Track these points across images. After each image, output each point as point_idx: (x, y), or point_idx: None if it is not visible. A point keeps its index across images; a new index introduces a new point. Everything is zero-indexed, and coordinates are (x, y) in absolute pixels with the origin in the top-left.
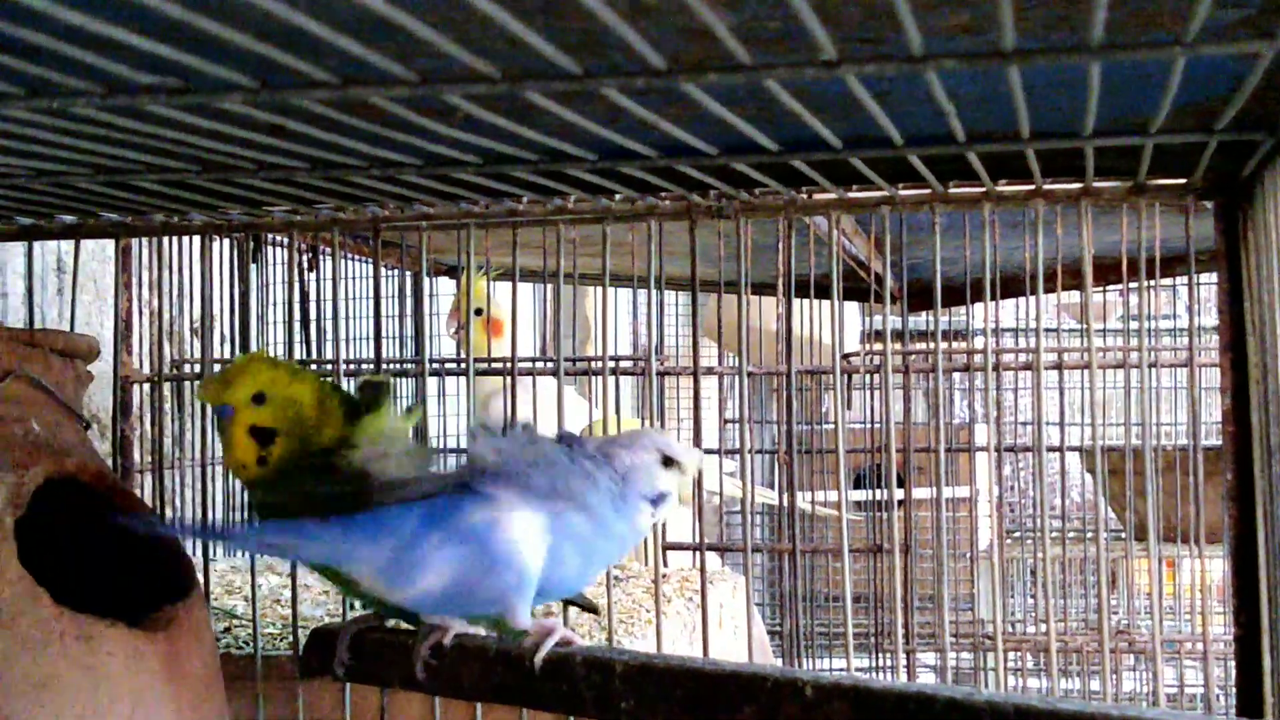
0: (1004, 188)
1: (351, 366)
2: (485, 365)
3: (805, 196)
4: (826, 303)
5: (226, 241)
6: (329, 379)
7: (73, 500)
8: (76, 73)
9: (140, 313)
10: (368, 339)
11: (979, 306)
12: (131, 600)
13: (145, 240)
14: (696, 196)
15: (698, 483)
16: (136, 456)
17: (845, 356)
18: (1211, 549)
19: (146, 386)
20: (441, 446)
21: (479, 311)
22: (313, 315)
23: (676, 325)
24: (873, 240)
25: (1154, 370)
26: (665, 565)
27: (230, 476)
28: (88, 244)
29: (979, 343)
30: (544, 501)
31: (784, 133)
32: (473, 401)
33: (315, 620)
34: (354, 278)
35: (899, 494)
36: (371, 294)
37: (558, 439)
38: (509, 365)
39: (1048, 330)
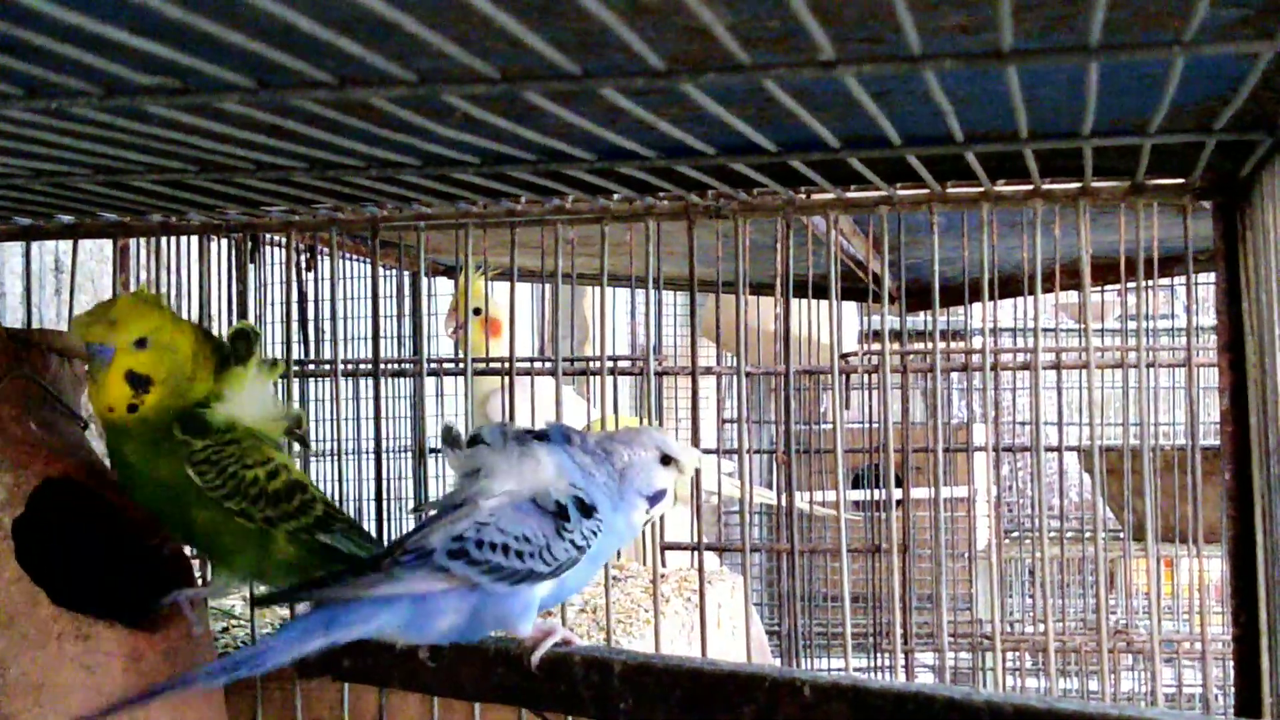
0: (1002, 188)
1: (350, 366)
2: (483, 365)
3: (803, 196)
4: (824, 303)
5: (224, 241)
6: (204, 327)
7: (70, 500)
8: (75, 73)
9: None
10: (366, 339)
11: (977, 306)
12: (129, 600)
13: (143, 240)
14: (695, 196)
15: (695, 483)
16: None
17: (843, 356)
18: (1210, 549)
19: None
20: (438, 447)
21: (477, 311)
22: (311, 315)
23: (675, 325)
24: (871, 240)
25: (1152, 370)
26: (664, 565)
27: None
28: (86, 244)
29: (977, 342)
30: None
31: (782, 133)
32: (471, 401)
33: None
34: (352, 278)
35: (897, 494)
36: (370, 294)
37: (556, 433)
38: (507, 365)
39: (1046, 330)
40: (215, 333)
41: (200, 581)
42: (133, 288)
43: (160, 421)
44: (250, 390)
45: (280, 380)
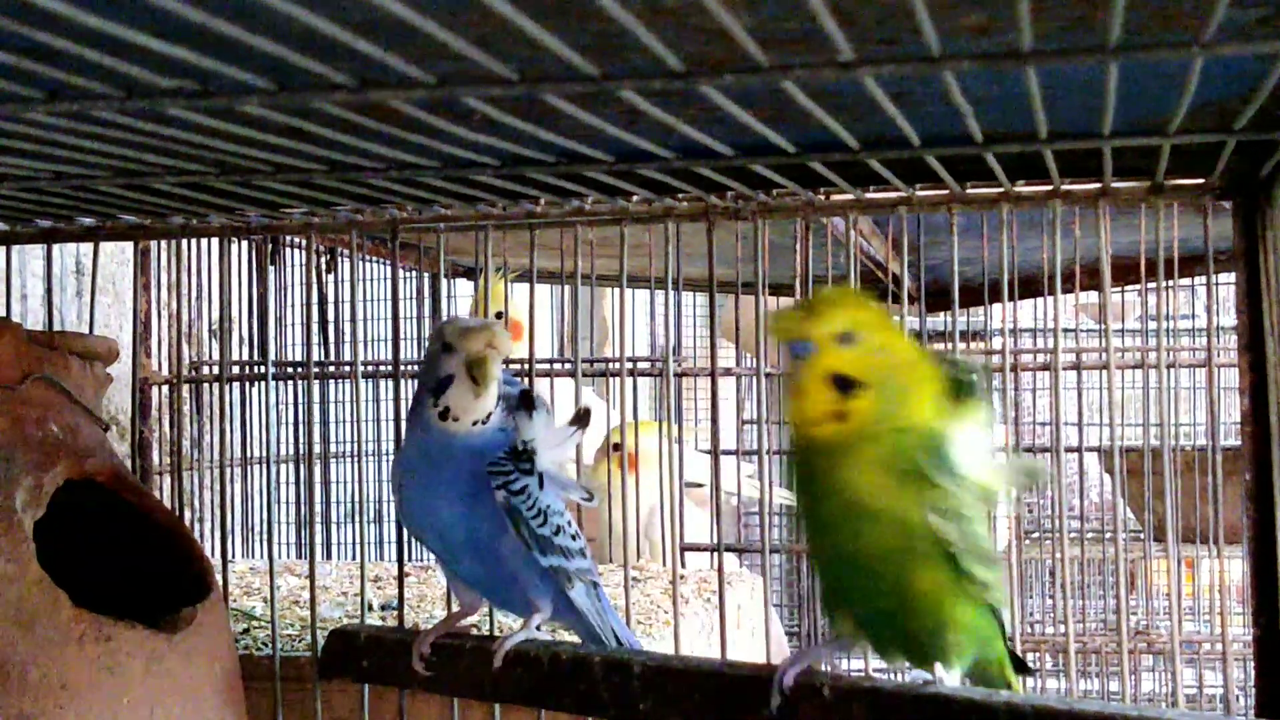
0: (1022, 188)
1: (370, 368)
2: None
3: (823, 197)
4: None
5: (245, 243)
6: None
7: (92, 502)
8: (96, 76)
9: (159, 315)
10: (386, 340)
11: (997, 307)
12: (151, 601)
13: (164, 242)
14: (714, 198)
15: (715, 484)
16: (155, 458)
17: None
18: (1230, 549)
19: (165, 388)
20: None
21: (499, 315)
22: (331, 317)
23: (694, 326)
24: (890, 241)
25: (1172, 370)
26: (683, 566)
27: (251, 477)
28: (106, 246)
29: (997, 343)
30: None
31: (801, 134)
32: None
33: (334, 622)
34: (372, 279)
35: None
36: (390, 295)
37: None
38: (526, 366)
39: (1066, 330)
40: (239, 335)
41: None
42: (153, 290)
43: (890, 443)
44: (983, 436)
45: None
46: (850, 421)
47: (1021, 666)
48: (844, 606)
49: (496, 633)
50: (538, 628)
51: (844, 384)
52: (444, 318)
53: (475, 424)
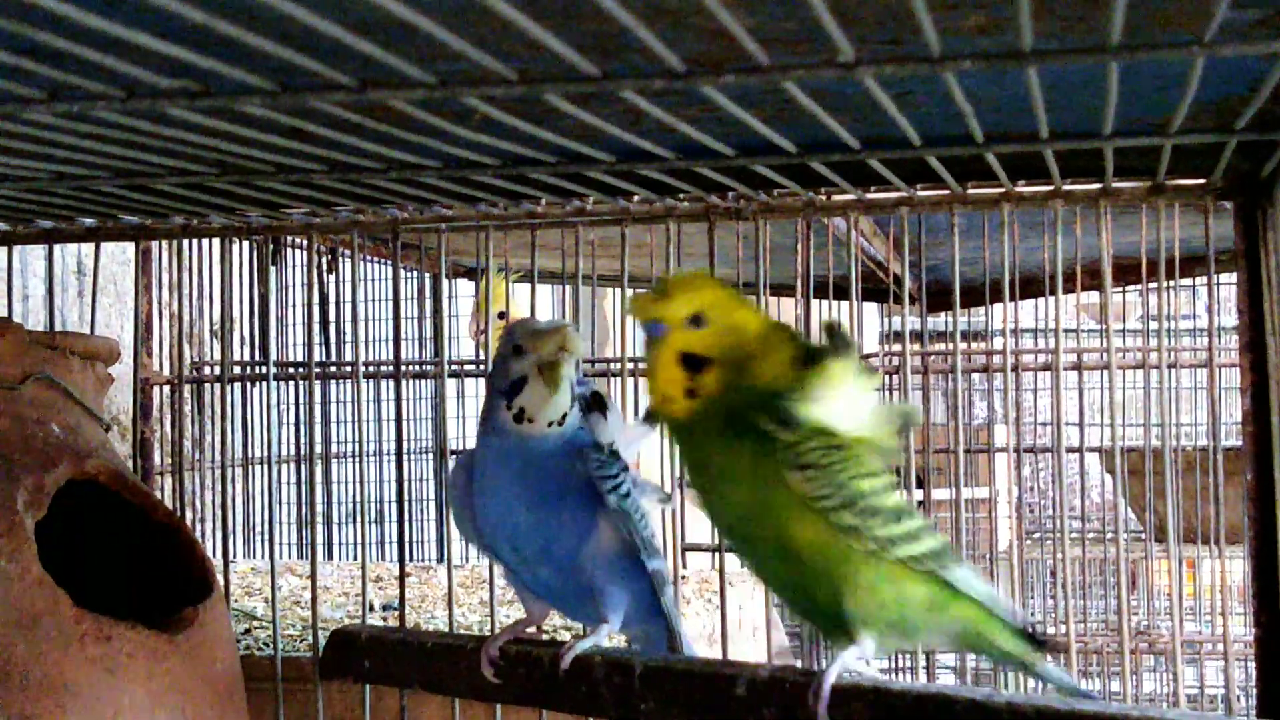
0: (1023, 188)
1: (371, 368)
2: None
3: (824, 198)
4: (845, 304)
5: (246, 244)
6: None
7: (93, 502)
8: (97, 77)
9: (160, 315)
10: (387, 341)
11: (998, 307)
12: (152, 602)
13: (165, 243)
14: (715, 198)
15: None
16: (157, 458)
17: (864, 357)
18: (1232, 549)
19: (166, 388)
20: (459, 449)
21: (502, 315)
22: (332, 317)
23: None
24: (891, 241)
25: (1174, 370)
26: (684, 567)
27: (252, 477)
28: (108, 247)
29: (998, 343)
30: None
31: (802, 134)
32: None
33: (335, 622)
34: (373, 279)
35: (918, 495)
36: (391, 296)
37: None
38: None
39: (1067, 331)
40: (240, 335)
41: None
42: (154, 290)
43: (729, 410)
44: (847, 394)
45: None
46: (699, 398)
47: (1033, 641)
48: (769, 587)
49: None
50: (608, 638)
51: (693, 363)
52: (444, 317)
53: (551, 425)
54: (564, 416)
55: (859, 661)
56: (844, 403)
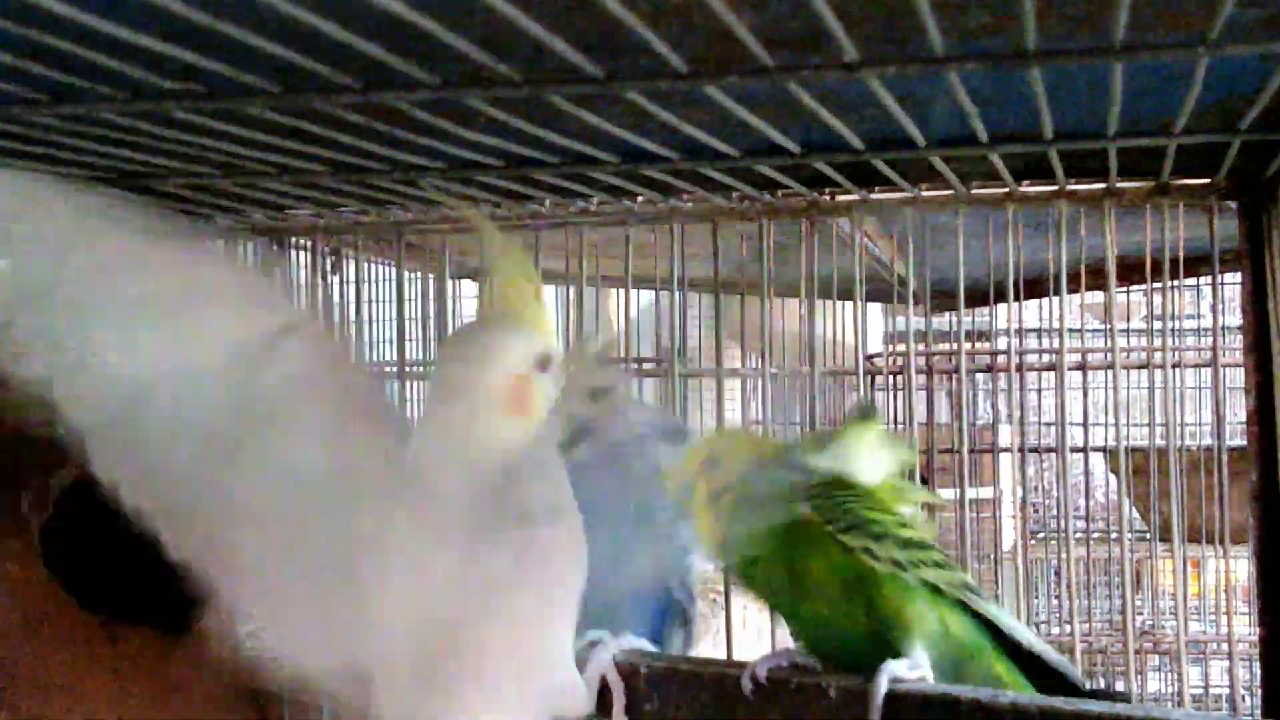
0: (1027, 188)
1: (375, 370)
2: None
3: (828, 198)
4: (849, 304)
5: (249, 245)
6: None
7: (98, 504)
8: (101, 78)
9: None
10: (391, 342)
11: (1002, 307)
12: (157, 603)
13: None
14: (719, 199)
15: None
16: None
17: (869, 358)
18: (1236, 549)
19: None
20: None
21: None
22: (336, 319)
23: (699, 327)
24: (895, 241)
25: (1178, 370)
26: None
27: None
28: None
29: (1002, 343)
30: None
31: (806, 134)
32: None
33: None
34: (377, 281)
35: None
36: (395, 297)
37: None
38: None
39: (1071, 331)
40: None
41: None
42: None
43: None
44: (865, 452)
45: None
46: (724, 509)
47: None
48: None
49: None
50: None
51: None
52: (448, 319)
53: None
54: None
55: (912, 671)
56: (861, 458)
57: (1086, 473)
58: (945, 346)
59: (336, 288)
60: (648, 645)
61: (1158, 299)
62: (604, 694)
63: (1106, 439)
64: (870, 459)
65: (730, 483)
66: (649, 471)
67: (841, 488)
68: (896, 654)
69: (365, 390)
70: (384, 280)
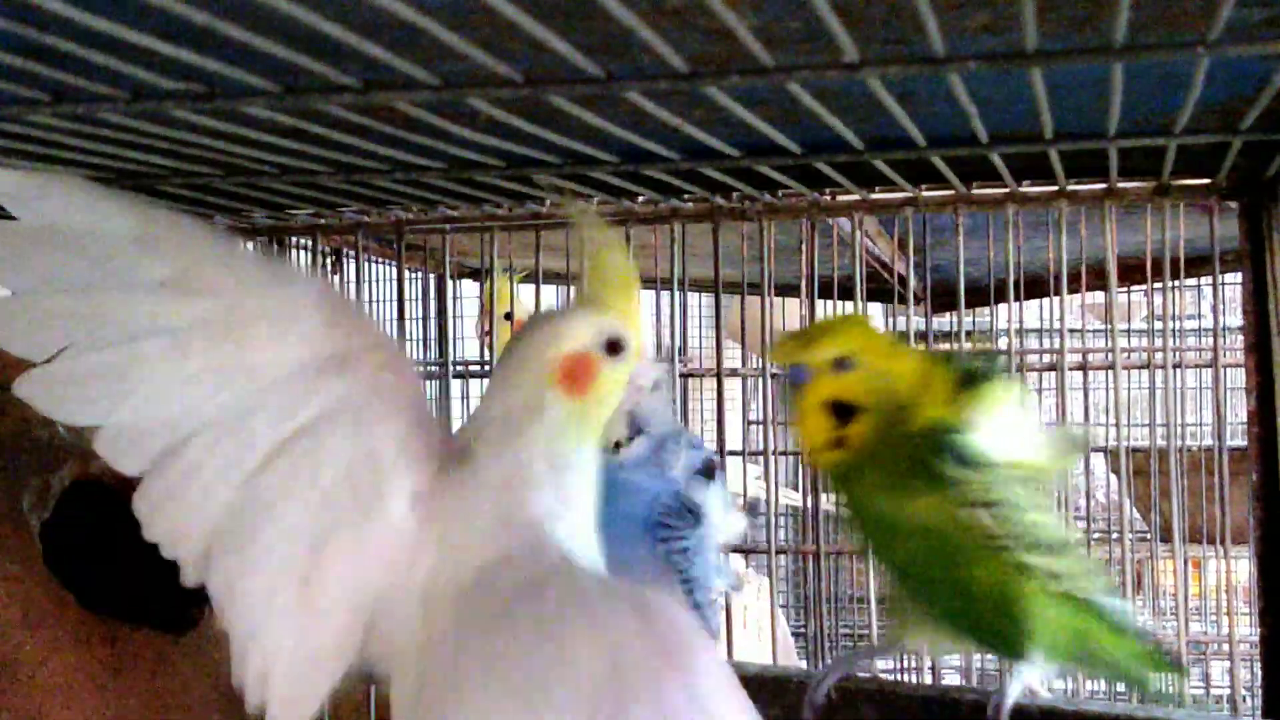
0: (1028, 188)
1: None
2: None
3: (828, 198)
4: (850, 304)
5: (250, 245)
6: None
7: (99, 503)
8: (101, 79)
9: None
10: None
11: (1003, 307)
12: (157, 603)
13: None
14: (719, 198)
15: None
16: None
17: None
18: (1237, 549)
19: None
20: None
21: (508, 316)
22: None
23: (700, 327)
24: (896, 241)
25: (1179, 371)
26: None
27: None
28: None
29: (1003, 344)
30: None
31: (806, 134)
32: None
33: None
34: (378, 280)
35: None
36: (395, 296)
37: None
38: None
39: (1072, 331)
40: None
41: None
42: None
43: (893, 455)
44: (1010, 418)
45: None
46: (850, 448)
47: (1165, 663)
48: (915, 607)
49: None
50: None
51: (841, 410)
52: (449, 318)
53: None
54: (618, 444)
55: (1039, 682)
56: (1009, 428)
57: (1087, 473)
58: (946, 346)
59: (337, 287)
60: None
61: (1158, 299)
62: None
63: (1107, 439)
64: (1015, 425)
65: (867, 409)
66: (684, 469)
67: (1006, 478)
68: (1011, 645)
69: (408, 426)
70: (384, 280)
